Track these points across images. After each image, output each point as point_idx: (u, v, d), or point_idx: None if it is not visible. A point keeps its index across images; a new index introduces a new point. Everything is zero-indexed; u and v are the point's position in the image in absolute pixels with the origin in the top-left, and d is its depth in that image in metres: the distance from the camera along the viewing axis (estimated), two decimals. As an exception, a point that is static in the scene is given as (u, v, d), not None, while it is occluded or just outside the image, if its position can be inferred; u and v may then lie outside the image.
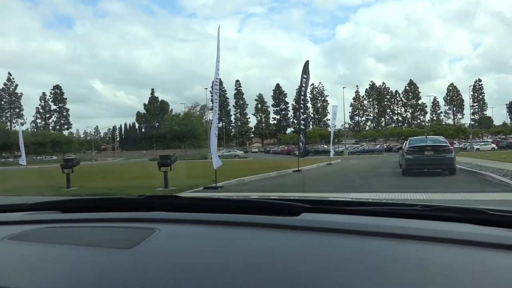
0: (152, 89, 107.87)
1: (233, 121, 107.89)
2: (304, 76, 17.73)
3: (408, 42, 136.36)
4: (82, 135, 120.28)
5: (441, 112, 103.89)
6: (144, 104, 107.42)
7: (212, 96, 11.31)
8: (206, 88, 50.39)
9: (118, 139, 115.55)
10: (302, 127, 18.11)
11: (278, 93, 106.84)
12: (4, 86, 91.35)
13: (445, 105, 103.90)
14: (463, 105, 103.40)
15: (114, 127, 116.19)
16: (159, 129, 55.04)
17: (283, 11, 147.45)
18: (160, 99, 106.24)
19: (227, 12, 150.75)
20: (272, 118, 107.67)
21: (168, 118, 51.54)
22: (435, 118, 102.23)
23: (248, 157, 47.62)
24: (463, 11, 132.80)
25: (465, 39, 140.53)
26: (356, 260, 0.77)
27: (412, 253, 0.79)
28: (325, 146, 55.75)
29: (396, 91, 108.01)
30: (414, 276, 0.71)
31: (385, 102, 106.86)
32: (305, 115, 17.93)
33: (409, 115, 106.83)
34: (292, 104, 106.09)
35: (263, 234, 0.92)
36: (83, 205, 1.35)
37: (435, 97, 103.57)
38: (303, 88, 17.83)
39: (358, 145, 63.25)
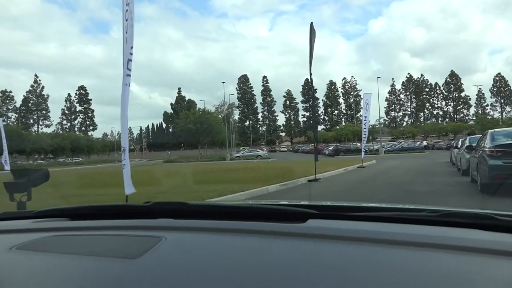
0: (179, 88, 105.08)
1: (261, 119, 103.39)
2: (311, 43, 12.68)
3: (445, 35, 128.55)
4: (116, 136, 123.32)
5: (487, 105, 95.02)
6: (171, 104, 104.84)
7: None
8: (223, 82, 45.94)
9: (145, 140, 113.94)
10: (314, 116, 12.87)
11: (308, 88, 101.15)
12: (31, 88, 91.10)
13: (491, 97, 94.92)
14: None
15: (141, 128, 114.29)
16: (176, 128, 51.10)
17: (313, 8, 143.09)
18: (187, 98, 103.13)
19: (258, 11, 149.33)
20: (302, 115, 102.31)
21: (183, 116, 47.15)
22: (480, 111, 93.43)
23: (270, 158, 42.82)
24: (503, 0, 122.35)
25: (506, 29, 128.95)
26: (362, 268, 0.77)
27: (419, 261, 0.78)
28: (357, 144, 50.04)
29: (436, 83, 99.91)
30: (421, 285, 0.70)
31: (424, 96, 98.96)
32: (314, 102, 12.63)
33: (450, 109, 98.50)
34: (322, 100, 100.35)
35: (269, 242, 0.91)
36: (90, 212, 1.33)
37: (480, 88, 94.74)
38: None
39: (395, 143, 56.93)
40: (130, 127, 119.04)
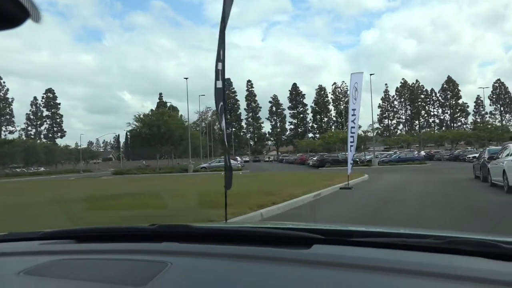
0: (160, 94, 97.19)
1: (245, 126, 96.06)
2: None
3: (436, 46, 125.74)
4: (101, 145, 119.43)
5: (486, 113, 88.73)
6: (152, 110, 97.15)
7: None
8: (186, 78, 38.28)
9: (122, 148, 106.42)
10: (226, 129, 5.62)
11: (295, 94, 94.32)
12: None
13: (490, 105, 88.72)
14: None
15: (118, 135, 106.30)
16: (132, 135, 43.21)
17: (306, 18, 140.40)
18: (169, 104, 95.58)
19: (251, 21, 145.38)
20: (289, 122, 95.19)
21: (137, 119, 39.26)
22: (478, 119, 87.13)
23: (242, 170, 35.45)
24: (493, 14, 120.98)
25: (496, 42, 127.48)
26: None
27: None
28: (347, 153, 42.84)
29: (432, 89, 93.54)
30: None
31: (419, 103, 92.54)
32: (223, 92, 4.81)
33: (447, 116, 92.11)
34: (311, 106, 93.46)
35: (274, 269, 0.91)
36: (96, 234, 1.34)
37: (478, 95, 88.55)
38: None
39: (390, 152, 49.85)
40: (117, 135, 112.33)
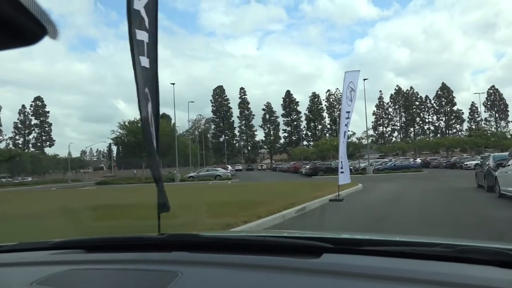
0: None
1: (238, 134, 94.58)
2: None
3: (429, 55, 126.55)
4: (95, 154, 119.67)
5: (481, 120, 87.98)
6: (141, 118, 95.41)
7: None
8: (173, 84, 36.91)
9: (115, 157, 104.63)
10: (151, 132, 3.90)
11: (289, 101, 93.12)
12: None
13: (485, 111, 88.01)
14: (508, 111, 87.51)
15: (110, 144, 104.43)
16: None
17: (301, 27, 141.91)
18: (161, 112, 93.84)
19: (246, 30, 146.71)
20: (283, 130, 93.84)
21: (122, 126, 37.27)
22: (473, 126, 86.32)
23: (231, 179, 33.98)
24: (484, 23, 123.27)
25: (487, 50, 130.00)
26: None
27: None
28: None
29: (427, 96, 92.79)
30: None
31: (414, 110, 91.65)
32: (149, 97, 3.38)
33: (442, 123, 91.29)
34: (305, 114, 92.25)
35: (284, 278, 0.91)
36: (106, 244, 1.34)
37: (473, 102, 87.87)
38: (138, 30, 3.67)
39: (386, 160, 48.55)
40: (109, 143, 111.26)
